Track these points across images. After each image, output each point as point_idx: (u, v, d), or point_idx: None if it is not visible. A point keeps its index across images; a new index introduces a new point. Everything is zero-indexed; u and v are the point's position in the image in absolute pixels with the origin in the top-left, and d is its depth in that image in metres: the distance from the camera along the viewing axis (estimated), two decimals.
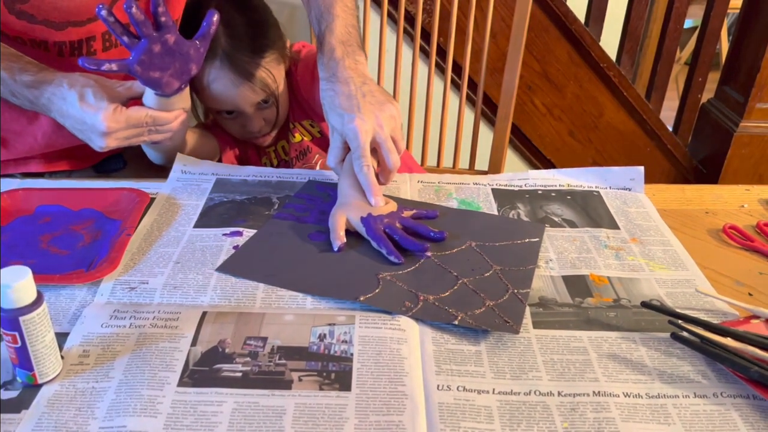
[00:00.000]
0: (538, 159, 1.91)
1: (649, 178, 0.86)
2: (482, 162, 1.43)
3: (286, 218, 0.78)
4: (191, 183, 0.85)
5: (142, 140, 0.80)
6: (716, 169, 1.86)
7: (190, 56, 0.75)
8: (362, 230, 0.72)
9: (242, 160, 1.06)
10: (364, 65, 0.82)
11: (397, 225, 0.73)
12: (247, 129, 0.98)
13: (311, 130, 1.06)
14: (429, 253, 0.71)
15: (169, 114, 0.79)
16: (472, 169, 1.46)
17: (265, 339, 0.59)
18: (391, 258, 0.69)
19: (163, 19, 0.71)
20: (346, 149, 0.77)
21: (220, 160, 1.03)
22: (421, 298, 0.64)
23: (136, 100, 0.79)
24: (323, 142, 1.05)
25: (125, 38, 0.71)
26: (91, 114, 0.75)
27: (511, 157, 1.89)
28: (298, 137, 1.05)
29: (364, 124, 0.74)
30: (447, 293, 0.65)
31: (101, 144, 0.77)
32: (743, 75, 1.79)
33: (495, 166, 1.39)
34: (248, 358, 0.57)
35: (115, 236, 0.71)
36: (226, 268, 0.69)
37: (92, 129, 0.75)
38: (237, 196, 0.82)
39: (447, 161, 1.44)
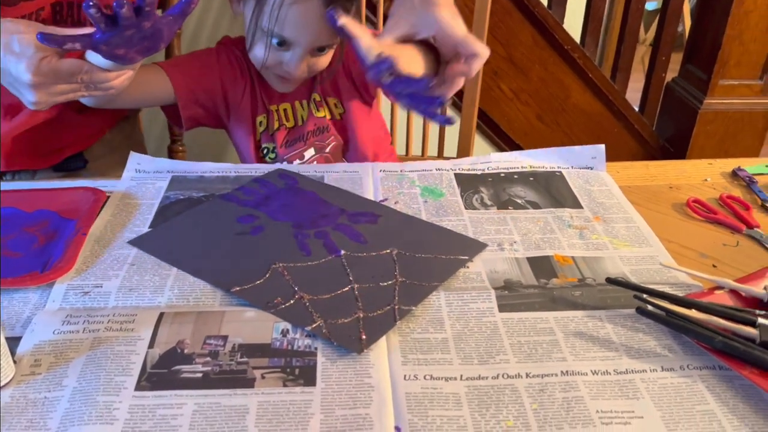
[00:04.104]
0: (507, 144, 1.91)
1: (617, 158, 0.86)
2: (451, 149, 1.43)
3: (228, 200, 0.78)
4: (146, 181, 0.82)
5: (78, 95, 0.73)
6: (683, 147, 1.87)
7: (161, 35, 0.68)
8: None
9: (239, 110, 0.98)
10: None
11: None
12: (288, 70, 0.89)
13: (334, 110, 1.01)
14: (342, 251, 0.69)
15: (111, 73, 0.71)
16: (441, 156, 1.45)
17: (225, 337, 0.57)
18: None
19: (148, 9, 0.65)
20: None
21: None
22: (297, 296, 0.62)
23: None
24: (342, 125, 1.02)
25: (102, 25, 0.64)
26: (14, 62, 0.68)
27: (480, 143, 1.89)
28: (321, 113, 1.01)
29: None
30: (327, 296, 0.62)
31: (30, 98, 0.70)
32: (705, 53, 1.81)
33: (463, 153, 1.39)
34: (208, 358, 0.55)
35: (70, 236, 0.69)
36: (141, 243, 0.68)
37: (18, 80, 0.69)
38: (194, 193, 0.80)
39: (416, 149, 1.43)
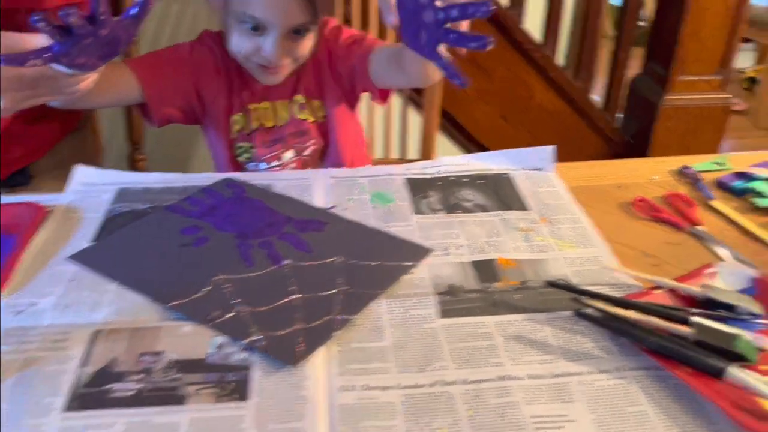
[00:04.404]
0: (473, 144, 1.91)
1: (582, 156, 0.87)
2: (414, 151, 1.43)
3: (174, 211, 0.77)
4: (90, 194, 0.81)
5: (43, 100, 0.73)
6: (646, 143, 1.89)
7: (119, 39, 0.67)
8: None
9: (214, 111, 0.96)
10: None
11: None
12: (266, 55, 0.88)
13: (317, 113, 1.00)
14: (285, 261, 0.68)
15: (74, 78, 0.70)
16: (404, 159, 1.45)
17: (160, 353, 0.56)
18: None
19: (102, 17, 0.64)
20: None
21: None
22: (236, 309, 0.61)
23: None
24: (323, 129, 1.01)
25: (58, 37, 0.63)
26: None
27: (446, 145, 1.89)
28: (304, 115, 0.99)
29: None
30: (267, 308, 0.61)
31: None
32: (664, 49, 1.82)
33: (426, 155, 1.39)
34: (142, 375, 0.54)
35: (8, 254, 0.68)
36: (81, 258, 0.67)
37: None
38: (139, 205, 0.79)
39: (377, 152, 1.43)
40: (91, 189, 0.82)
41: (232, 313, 0.60)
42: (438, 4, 0.60)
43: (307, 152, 1.01)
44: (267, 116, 0.98)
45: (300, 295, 0.63)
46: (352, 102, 1.03)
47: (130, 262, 0.68)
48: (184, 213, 0.77)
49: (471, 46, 0.60)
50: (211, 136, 1.01)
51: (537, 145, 0.89)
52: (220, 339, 0.58)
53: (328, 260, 0.68)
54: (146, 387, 0.53)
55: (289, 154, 1.01)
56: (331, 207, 0.79)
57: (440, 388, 0.54)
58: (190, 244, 0.71)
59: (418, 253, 0.71)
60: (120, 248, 0.71)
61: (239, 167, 1.01)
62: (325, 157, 1.04)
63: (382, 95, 0.98)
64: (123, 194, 0.81)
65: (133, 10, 0.67)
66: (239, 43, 0.89)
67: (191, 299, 0.62)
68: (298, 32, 0.88)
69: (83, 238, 0.72)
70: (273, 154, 1.00)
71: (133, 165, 1.46)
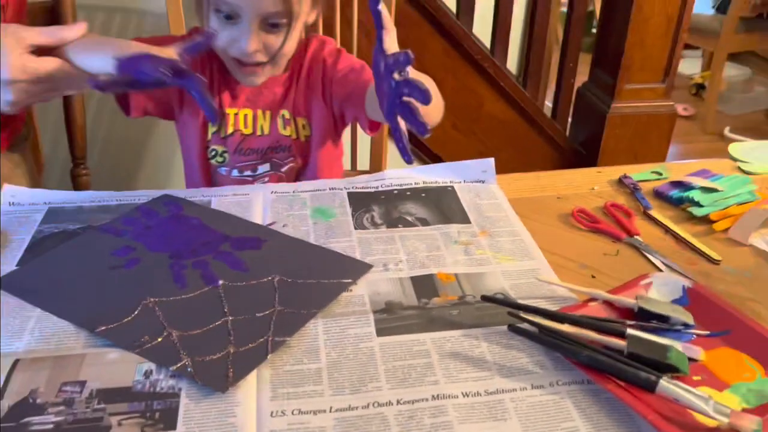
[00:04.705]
0: (426, 154, 1.92)
1: (533, 165, 0.87)
2: (364, 162, 1.42)
3: (106, 231, 0.75)
4: (19, 215, 0.78)
5: (52, 96, 0.73)
6: (595, 152, 1.92)
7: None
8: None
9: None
10: None
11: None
12: (240, 45, 0.87)
13: (300, 132, 0.99)
14: (221, 282, 0.66)
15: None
16: (354, 170, 1.44)
17: (83, 383, 0.54)
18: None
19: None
20: None
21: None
22: (165, 333, 0.59)
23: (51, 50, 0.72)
24: (305, 148, 1.00)
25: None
26: None
27: (398, 155, 1.89)
28: (287, 131, 0.98)
29: None
30: (198, 331, 0.59)
31: (8, 98, 0.69)
32: (611, 58, 1.86)
33: (376, 166, 1.38)
34: (62, 407, 0.52)
35: None
36: (4, 282, 0.65)
37: None
38: (70, 225, 0.76)
39: None
40: (20, 209, 0.79)
41: (160, 339, 0.59)
42: (395, 77, 0.63)
43: (284, 169, 1.00)
44: (246, 123, 0.98)
45: (233, 318, 0.61)
46: (338, 127, 1.03)
47: (55, 287, 0.66)
48: (116, 233, 0.74)
49: (412, 127, 0.65)
50: (186, 136, 0.99)
51: (488, 154, 0.90)
52: (147, 365, 0.56)
53: (264, 280, 0.67)
54: (67, 419, 0.51)
55: (264, 167, 1.00)
56: (271, 223, 0.77)
57: (374, 410, 0.53)
58: (120, 266, 0.69)
59: (358, 269, 0.70)
60: (46, 272, 0.68)
61: (210, 170, 1.00)
62: (301, 177, 1.03)
63: (372, 126, 0.99)
64: (53, 214, 0.78)
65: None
66: (216, 39, 0.88)
67: (119, 324, 0.60)
68: (274, 25, 0.87)
69: (8, 262, 0.69)
70: (248, 163, 0.99)
71: (76, 181, 1.42)
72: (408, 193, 0.85)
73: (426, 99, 0.61)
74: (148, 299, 0.63)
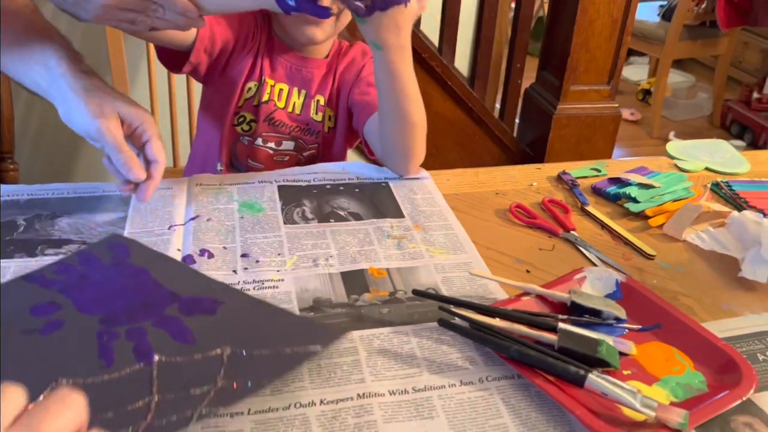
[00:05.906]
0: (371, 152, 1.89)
1: (480, 165, 0.86)
2: None
3: (33, 280, 0.62)
4: None
5: (141, 21, 0.66)
6: (542, 152, 1.94)
7: None
8: None
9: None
10: None
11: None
12: None
13: (326, 121, 0.99)
14: (156, 357, 0.53)
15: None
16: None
17: None
18: None
19: None
20: None
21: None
22: None
23: None
24: (327, 139, 1.00)
25: None
26: None
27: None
28: (319, 117, 0.98)
29: None
30: (110, 414, 0.48)
31: (94, 9, 0.62)
32: (556, 59, 1.88)
33: None
34: None
35: None
36: None
37: None
38: None
39: None
40: None
41: None
42: None
43: (306, 153, 0.99)
44: (281, 97, 0.96)
45: (157, 398, 0.49)
46: (352, 135, 1.02)
47: None
48: (43, 283, 0.61)
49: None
50: (218, 99, 0.97)
51: (436, 154, 0.89)
52: None
53: (212, 354, 0.54)
54: None
55: (289, 144, 0.98)
56: (194, 218, 0.74)
57: (295, 411, 0.50)
58: (36, 331, 0.55)
59: (329, 334, 0.58)
60: None
61: (234, 136, 0.98)
62: None
63: (352, 141, 1.01)
64: None
65: None
66: None
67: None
68: None
69: None
70: (274, 134, 0.97)
71: (3, 176, 1.35)
72: (341, 188, 0.82)
73: None
74: (62, 379, 0.51)
